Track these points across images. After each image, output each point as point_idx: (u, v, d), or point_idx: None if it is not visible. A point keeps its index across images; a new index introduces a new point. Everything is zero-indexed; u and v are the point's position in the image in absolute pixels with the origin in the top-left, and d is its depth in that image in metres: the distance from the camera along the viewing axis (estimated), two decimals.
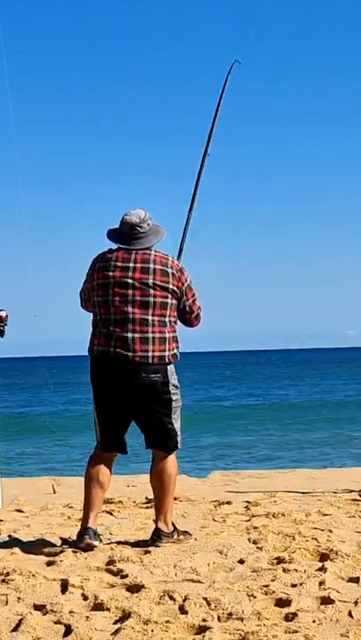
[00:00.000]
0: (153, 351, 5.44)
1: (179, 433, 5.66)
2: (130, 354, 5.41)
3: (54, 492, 8.19)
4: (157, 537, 5.56)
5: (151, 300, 5.43)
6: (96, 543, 5.39)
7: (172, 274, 5.51)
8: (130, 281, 5.43)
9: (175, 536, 5.60)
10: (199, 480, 9.20)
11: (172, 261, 5.59)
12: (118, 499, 7.31)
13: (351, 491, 7.62)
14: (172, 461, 5.65)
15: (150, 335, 5.43)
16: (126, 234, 5.53)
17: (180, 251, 6.71)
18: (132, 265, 5.45)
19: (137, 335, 5.41)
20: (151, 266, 5.47)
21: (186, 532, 5.70)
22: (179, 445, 5.66)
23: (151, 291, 5.43)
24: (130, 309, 5.42)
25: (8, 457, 14.83)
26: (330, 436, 22.05)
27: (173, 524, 5.69)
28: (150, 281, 5.43)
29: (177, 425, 5.64)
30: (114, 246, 5.58)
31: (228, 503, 7.11)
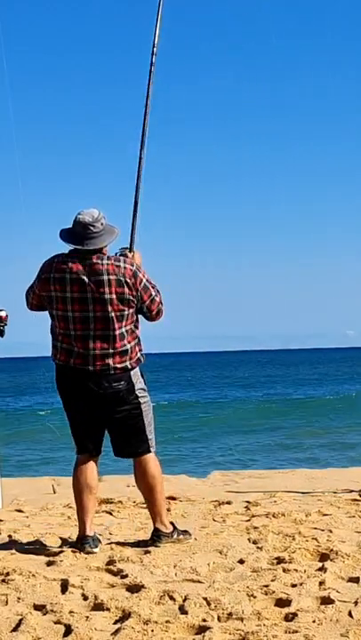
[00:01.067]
0: (114, 363, 5.41)
1: (150, 436, 5.59)
2: (90, 367, 5.39)
3: (54, 492, 8.17)
4: (157, 537, 5.56)
5: (110, 314, 5.34)
6: (96, 550, 5.39)
7: (126, 282, 5.36)
8: (88, 295, 5.33)
9: (175, 536, 5.60)
10: (199, 480, 9.19)
11: (125, 267, 5.40)
12: (118, 499, 7.29)
13: (351, 491, 7.61)
14: (152, 462, 5.60)
15: (111, 350, 5.39)
16: (79, 233, 5.39)
17: (136, 204, 6.11)
18: (86, 279, 5.33)
19: (97, 352, 5.38)
20: (105, 277, 5.33)
21: (185, 532, 5.70)
22: (151, 449, 5.60)
23: (109, 306, 5.33)
24: (89, 326, 5.35)
25: (8, 457, 14.82)
26: None
27: (173, 524, 5.69)
28: (107, 295, 5.32)
29: (149, 428, 5.59)
30: (66, 248, 5.45)
31: (228, 503, 7.11)
